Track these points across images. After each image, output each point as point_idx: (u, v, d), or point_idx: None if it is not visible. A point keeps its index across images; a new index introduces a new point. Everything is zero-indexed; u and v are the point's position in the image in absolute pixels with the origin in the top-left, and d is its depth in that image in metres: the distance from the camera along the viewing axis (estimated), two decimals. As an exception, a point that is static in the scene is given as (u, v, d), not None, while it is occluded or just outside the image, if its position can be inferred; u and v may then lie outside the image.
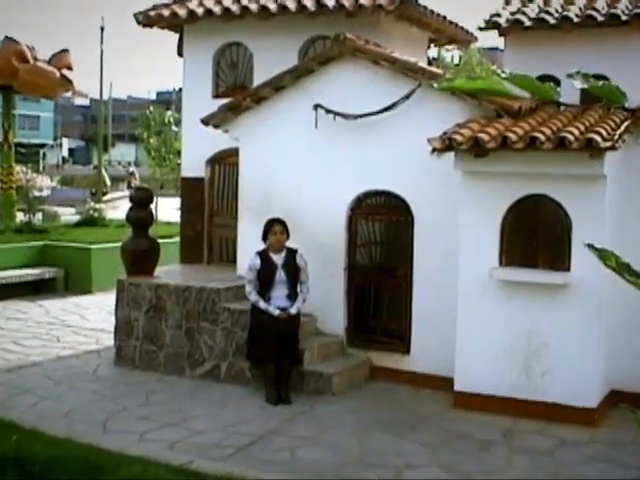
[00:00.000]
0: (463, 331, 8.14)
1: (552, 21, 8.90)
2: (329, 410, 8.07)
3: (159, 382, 9.09)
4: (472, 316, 8.09)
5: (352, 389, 8.77)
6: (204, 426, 7.54)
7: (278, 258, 8.51)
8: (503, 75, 2.14)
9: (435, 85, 2.30)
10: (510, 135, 7.37)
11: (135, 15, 11.40)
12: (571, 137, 7.17)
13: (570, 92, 5.48)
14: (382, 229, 9.66)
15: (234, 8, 10.61)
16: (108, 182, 36.78)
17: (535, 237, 7.88)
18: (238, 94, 9.96)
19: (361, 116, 8.98)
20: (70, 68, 21.12)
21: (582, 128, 7.44)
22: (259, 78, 10.32)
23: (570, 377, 7.70)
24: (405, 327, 9.04)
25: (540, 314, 7.80)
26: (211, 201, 11.46)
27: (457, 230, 8.18)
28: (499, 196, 7.92)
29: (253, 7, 10.49)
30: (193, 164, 11.47)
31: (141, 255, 9.99)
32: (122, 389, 8.79)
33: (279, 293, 8.47)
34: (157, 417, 7.77)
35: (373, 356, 9.24)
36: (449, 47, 18.34)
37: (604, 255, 2.15)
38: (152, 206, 10.53)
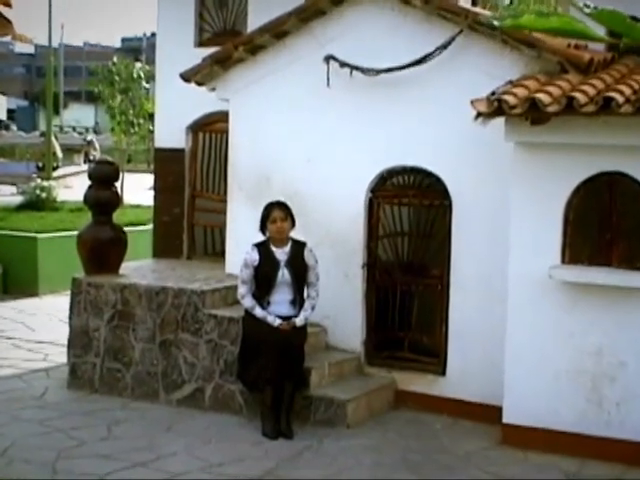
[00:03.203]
0: (514, 347, 8.14)
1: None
2: (342, 446, 8.08)
3: (125, 410, 9.11)
4: (526, 328, 8.09)
5: (372, 420, 8.78)
6: (183, 466, 7.56)
7: (281, 253, 8.52)
8: (586, 10, 2.08)
9: (496, 23, 2.25)
10: (578, 96, 7.35)
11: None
12: (657, 99, 7.15)
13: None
14: (411, 216, 9.66)
15: None
16: (59, 153, 36.80)
17: (609, 227, 7.87)
18: (228, 42, 9.96)
19: (385, 71, 8.97)
20: (8, 5, 21.13)
21: (671, 87, 7.42)
22: (255, 21, 10.30)
23: (652, 407, 7.71)
24: (440, 341, 9.06)
25: (614, 326, 7.79)
26: (193, 179, 11.48)
27: (508, 218, 8.18)
28: (562, 175, 7.90)
29: None
30: (170, 131, 11.47)
31: (103, 247, 10.01)
32: (77, 419, 8.81)
33: (281, 297, 8.48)
34: (122, 455, 7.78)
35: (399, 378, 9.26)
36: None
37: None
38: (117, 184, 10.54)
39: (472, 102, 7.73)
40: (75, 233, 10.81)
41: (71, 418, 8.82)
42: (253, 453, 7.91)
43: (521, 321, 8.11)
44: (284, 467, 7.61)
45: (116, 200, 10.40)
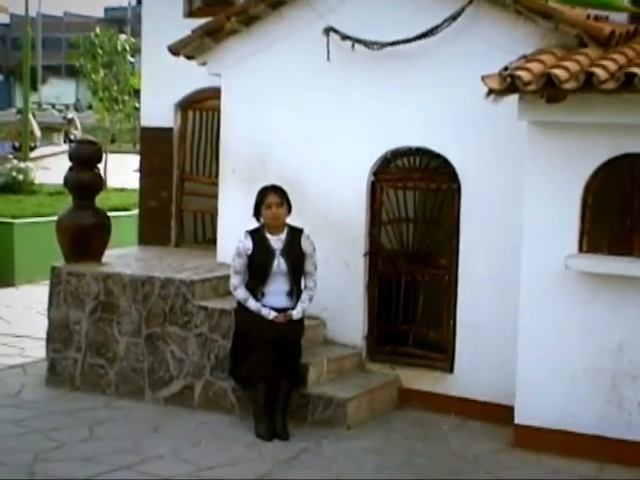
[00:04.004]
0: (528, 342, 8.14)
1: None
2: (342, 449, 8.09)
3: (108, 409, 9.12)
4: (540, 322, 8.09)
5: (374, 420, 8.80)
6: (170, 470, 7.57)
7: (276, 241, 8.51)
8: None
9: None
10: (597, 71, 7.33)
11: None
12: (683, 75, 7.14)
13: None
14: (417, 201, 9.65)
15: None
16: (38, 133, 36.80)
17: (630, 213, 7.86)
18: (220, 12, 9.93)
19: (390, 44, 8.95)
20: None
21: (699, 63, 7.41)
22: (249, -10, 10.28)
23: (676, 407, 7.72)
24: (448, 336, 9.06)
25: (636, 320, 7.78)
26: (182, 160, 11.47)
27: (521, 203, 8.17)
28: (581, 156, 7.89)
29: None
30: (157, 109, 11.45)
31: (85, 233, 10.00)
32: (57, 418, 8.81)
33: (277, 288, 8.47)
34: (105, 457, 7.78)
35: (403, 375, 9.27)
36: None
37: None
38: (100, 166, 10.52)
39: (483, 78, 7.71)
40: (54, 218, 10.80)
41: (50, 418, 8.81)
42: (246, 456, 7.91)
43: (535, 315, 8.10)
44: (279, 470, 7.61)
45: (99, 183, 10.37)
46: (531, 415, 8.13)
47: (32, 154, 30.74)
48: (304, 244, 8.58)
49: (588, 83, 7.34)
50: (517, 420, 8.20)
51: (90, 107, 26.57)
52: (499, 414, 8.48)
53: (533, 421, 8.12)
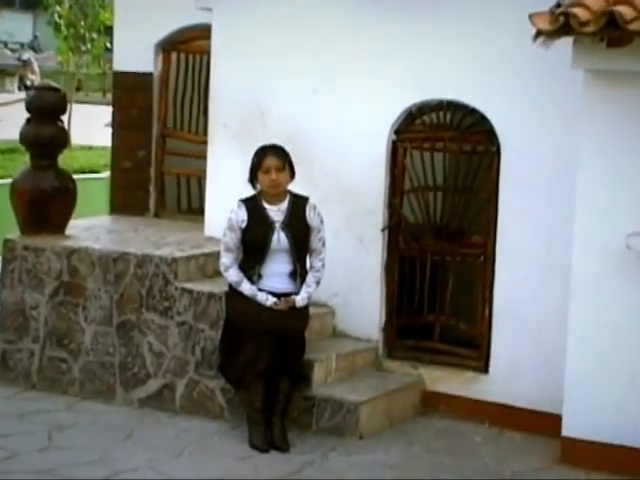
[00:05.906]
0: (578, 338, 8.14)
1: None
2: (353, 462, 8.11)
3: (71, 411, 9.17)
4: (594, 313, 8.08)
5: (392, 428, 8.84)
6: (146, 485, 7.62)
7: (276, 211, 8.51)
8: None
9: None
10: (670, 10, 7.31)
11: None
12: None
13: None
14: (448, 166, 9.63)
15: None
16: (-12, 77, 36.83)
17: None
18: None
19: (417, -26, 8.95)
20: None
21: None
22: None
23: None
24: (482, 329, 9.08)
25: None
26: (164, 113, 11.48)
27: (574, 170, 8.16)
28: (647, 114, 7.89)
29: None
30: (134, 50, 11.44)
31: (45, 200, 10.02)
32: (8, 423, 8.83)
33: (277, 269, 8.47)
34: (67, 470, 7.79)
35: (427, 375, 9.30)
36: None
37: None
38: (64, 119, 10.51)
39: (531, 17, 7.69)
40: (8, 181, 10.80)
41: (0, 422, 8.85)
42: (237, 470, 7.93)
43: (588, 304, 8.09)
44: (278, 488, 7.67)
45: (62, 139, 10.38)
46: (582, 425, 8.14)
47: (-20, 103, 30.78)
48: (309, 215, 8.57)
49: (659, 23, 7.32)
50: (565, 431, 8.21)
51: (78, 48, 26.27)
52: (543, 424, 8.52)
53: (584, 433, 8.12)
